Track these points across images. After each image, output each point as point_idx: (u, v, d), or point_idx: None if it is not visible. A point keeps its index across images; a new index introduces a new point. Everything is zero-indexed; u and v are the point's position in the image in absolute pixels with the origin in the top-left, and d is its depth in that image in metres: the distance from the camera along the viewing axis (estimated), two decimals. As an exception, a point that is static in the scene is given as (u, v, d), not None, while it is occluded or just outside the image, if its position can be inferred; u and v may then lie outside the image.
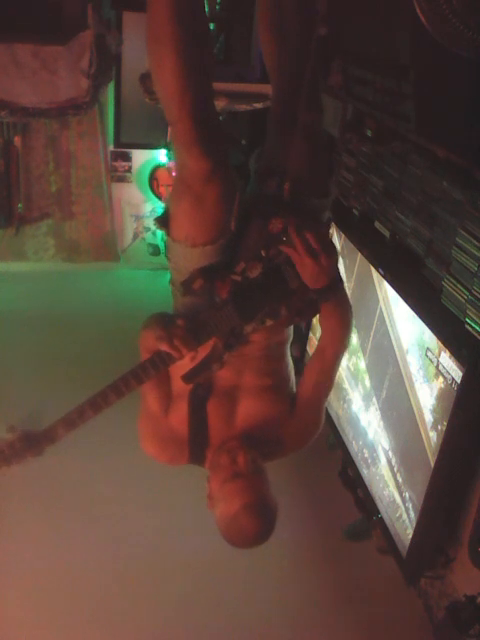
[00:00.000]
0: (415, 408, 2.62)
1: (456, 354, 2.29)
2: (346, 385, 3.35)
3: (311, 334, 3.72)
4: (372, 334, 3.04)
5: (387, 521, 2.87)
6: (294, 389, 1.77)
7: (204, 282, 1.49)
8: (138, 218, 5.47)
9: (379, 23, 2.45)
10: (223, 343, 1.52)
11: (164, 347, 1.45)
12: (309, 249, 1.46)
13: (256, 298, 1.51)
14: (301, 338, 3.67)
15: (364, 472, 3.12)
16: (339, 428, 3.40)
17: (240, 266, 1.50)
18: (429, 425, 2.50)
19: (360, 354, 3.18)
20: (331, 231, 3.27)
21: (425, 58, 2.18)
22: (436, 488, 2.44)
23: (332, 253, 1.51)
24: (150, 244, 5.48)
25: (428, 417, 2.51)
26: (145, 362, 1.50)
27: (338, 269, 1.56)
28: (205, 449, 1.66)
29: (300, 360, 3.47)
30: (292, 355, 1.79)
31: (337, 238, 3.44)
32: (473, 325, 2.30)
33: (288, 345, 1.75)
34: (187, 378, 1.53)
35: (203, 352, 1.52)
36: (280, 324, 1.58)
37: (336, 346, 1.70)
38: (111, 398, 1.48)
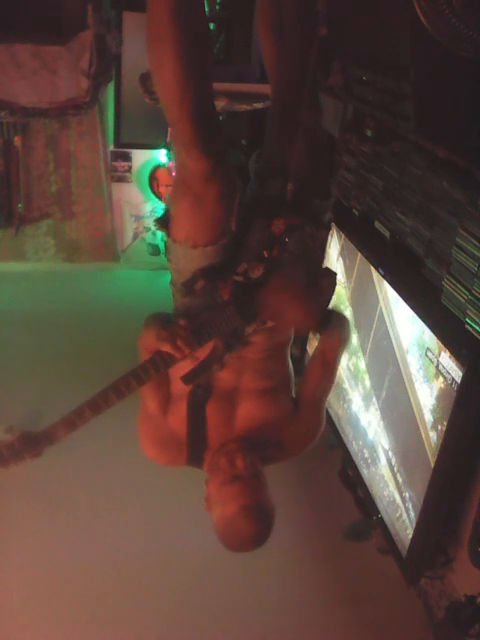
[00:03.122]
0: (415, 408, 2.62)
1: (456, 354, 2.29)
2: (346, 385, 3.35)
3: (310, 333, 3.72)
4: (372, 334, 3.04)
5: (387, 521, 2.87)
6: (293, 392, 1.76)
7: (206, 283, 1.48)
8: (138, 218, 5.47)
9: (379, 23, 2.45)
10: (224, 344, 1.51)
11: (166, 347, 1.44)
12: None
13: (258, 299, 1.51)
14: (301, 338, 3.66)
15: (364, 472, 3.12)
16: (339, 428, 3.40)
17: (242, 267, 1.50)
18: (429, 425, 2.50)
19: (360, 354, 3.18)
20: (331, 232, 3.27)
21: (425, 58, 2.18)
22: (436, 488, 2.44)
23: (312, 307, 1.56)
24: (150, 244, 5.47)
25: (428, 417, 2.51)
26: (145, 362, 1.48)
27: (321, 309, 1.62)
28: (204, 451, 1.65)
29: (300, 360, 3.47)
30: (292, 355, 1.79)
31: (337, 238, 3.44)
32: (473, 325, 2.29)
33: (288, 347, 1.74)
34: (187, 379, 1.52)
35: (203, 353, 1.51)
36: (281, 325, 1.58)
37: (335, 347, 1.70)
38: (111, 399, 1.47)
